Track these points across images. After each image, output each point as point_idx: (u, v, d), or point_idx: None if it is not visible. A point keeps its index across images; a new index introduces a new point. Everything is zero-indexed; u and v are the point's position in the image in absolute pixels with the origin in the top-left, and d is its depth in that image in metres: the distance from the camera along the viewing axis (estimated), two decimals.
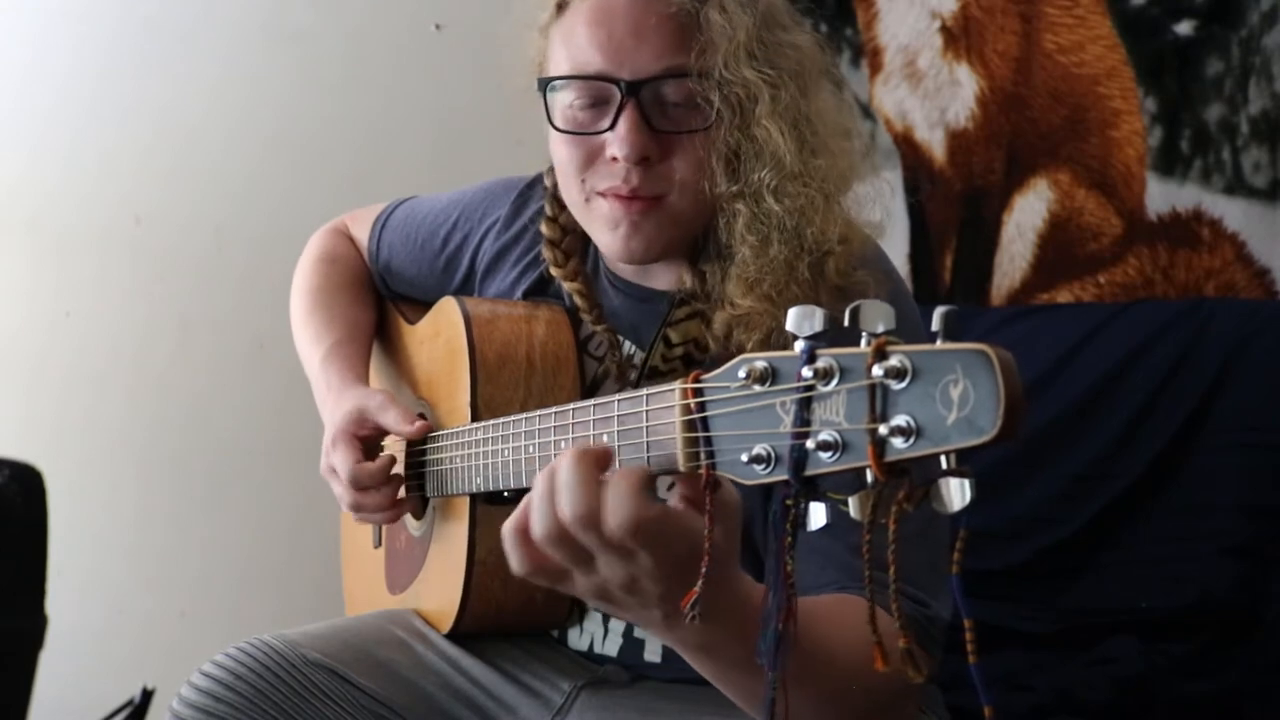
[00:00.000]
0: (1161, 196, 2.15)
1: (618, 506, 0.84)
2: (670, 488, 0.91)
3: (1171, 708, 1.84)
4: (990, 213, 2.25)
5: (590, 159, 1.27)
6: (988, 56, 2.24)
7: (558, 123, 1.28)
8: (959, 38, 2.26)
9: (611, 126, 1.24)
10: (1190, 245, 2.12)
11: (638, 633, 1.37)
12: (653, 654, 1.36)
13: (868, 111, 2.32)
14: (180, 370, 2.73)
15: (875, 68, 2.33)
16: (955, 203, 2.28)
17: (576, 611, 1.40)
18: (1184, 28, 2.13)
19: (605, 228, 1.28)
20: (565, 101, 1.27)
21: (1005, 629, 1.89)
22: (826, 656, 0.99)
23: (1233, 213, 2.10)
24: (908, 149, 2.31)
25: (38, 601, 2.11)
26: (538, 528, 0.88)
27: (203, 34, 2.71)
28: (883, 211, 1.34)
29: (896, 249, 2.25)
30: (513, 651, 1.40)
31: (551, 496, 0.86)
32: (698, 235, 1.29)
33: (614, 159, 1.24)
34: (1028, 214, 2.23)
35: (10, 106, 2.81)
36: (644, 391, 0.88)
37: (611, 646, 1.39)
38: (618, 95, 1.23)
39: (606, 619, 1.39)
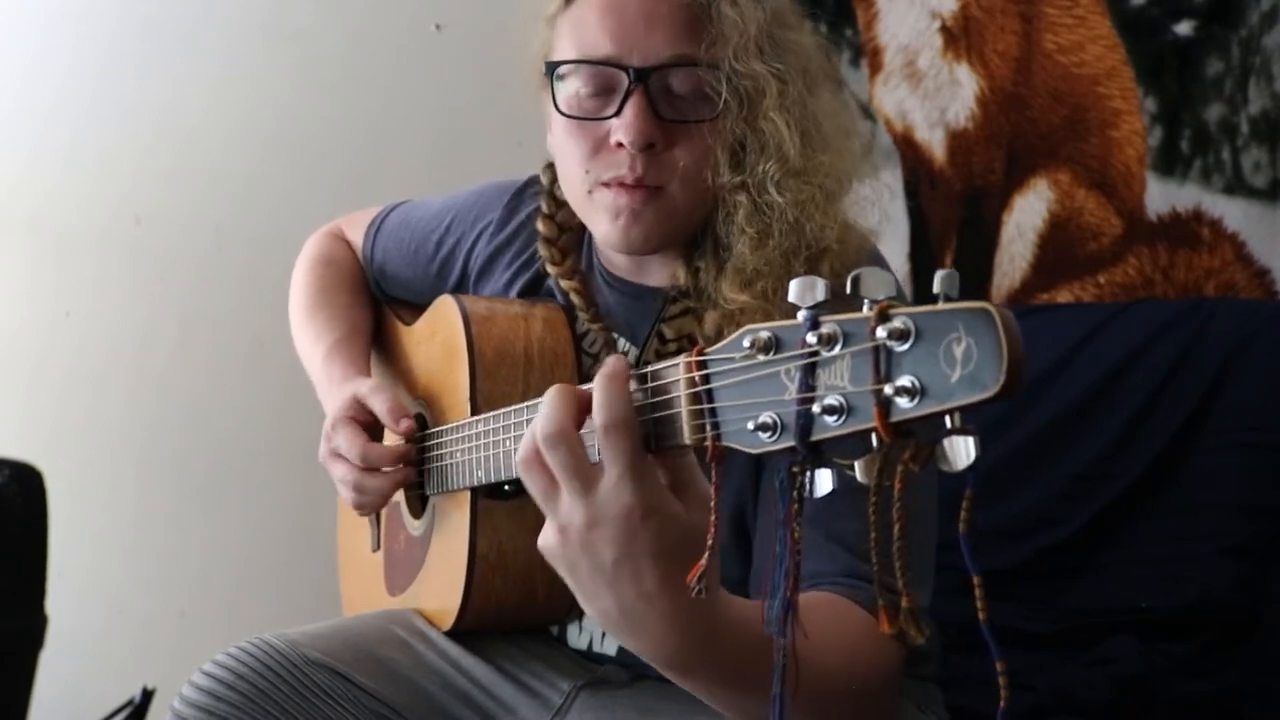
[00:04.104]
0: (1161, 196, 2.14)
1: (604, 403, 0.86)
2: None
3: (1171, 708, 1.83)
4: (990, 213, 2.25)
5: (595, 148, 1.27)
6: (988, 56, 2.24)
7: (564, 110, 1.28)
8: (959, 38, 2.26)
9: (618, 113, 1.24)
10: (1190, 245, 2.12)
11: None
12: None
13: (868, 111, 2.32)
14: (180, 370, 2.73)
15: (875, 68, 2.33)
16: (955, 203, 2.28)
17: (576, 608, 1.39)
18: (1184, 28, 2.13)
19: (606, 218, 1.28)
20: (571, 90, 1.27)
21: (1005, 629, 1.89)
22: (811, 654, 0.99)
23: (1233, 213, 2.10)
24: (908, 149, 2.31)
25: (38, 601, 2.11)
26: (519, 449, 0.91)
27: (203, 34, 2.71)
28: (880, 214, 1.35)
29: (896, 249, 2.25)
30: (512, 651, 1.40)
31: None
32: (695, 230, 1.30)
33: (619, 145, 1.24)
34: (1028, 214, 2.23)
35: (10, 106, 2.81)
36: (648, 369, 0.88)
37: (610, 646, 1.39)
38: (625, 82, 1.23)
39: None
